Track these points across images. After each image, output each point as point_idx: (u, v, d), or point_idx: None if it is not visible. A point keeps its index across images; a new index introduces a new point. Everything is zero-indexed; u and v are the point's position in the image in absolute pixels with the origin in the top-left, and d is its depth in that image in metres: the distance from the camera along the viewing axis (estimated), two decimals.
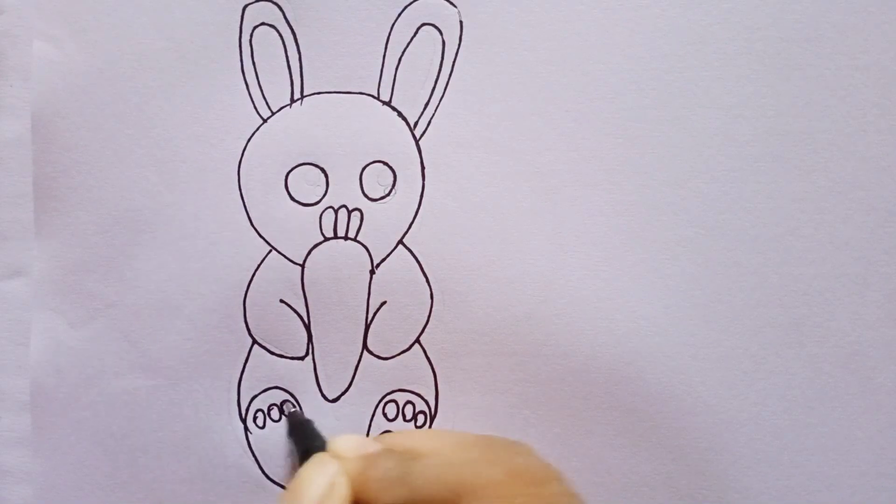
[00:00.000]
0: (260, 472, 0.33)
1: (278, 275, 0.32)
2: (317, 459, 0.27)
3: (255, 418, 0.33)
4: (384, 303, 0.32)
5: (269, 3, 0.32)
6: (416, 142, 0.32)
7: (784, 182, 0.31)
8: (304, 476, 0.26)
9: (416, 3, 0.32)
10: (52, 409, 0.33)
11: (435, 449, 0.27)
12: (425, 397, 0.32)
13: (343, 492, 0.26)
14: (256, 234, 0.33)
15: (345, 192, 0.32)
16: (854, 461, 0.31)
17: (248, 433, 0.33)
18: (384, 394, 0.33)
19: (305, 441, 0.30)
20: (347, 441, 0.28)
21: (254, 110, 0.33)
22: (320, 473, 0.26)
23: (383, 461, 0.26)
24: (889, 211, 0.31)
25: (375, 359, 0.33)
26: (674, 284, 0.32)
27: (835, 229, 0.31)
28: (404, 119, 0.32)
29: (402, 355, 0.32)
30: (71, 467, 0.33)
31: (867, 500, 0.31)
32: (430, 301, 0.32)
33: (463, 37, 0.32)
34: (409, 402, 0.33)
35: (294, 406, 0.32)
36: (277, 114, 0.33)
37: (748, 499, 0.32)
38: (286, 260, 0.33)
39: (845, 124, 0.31)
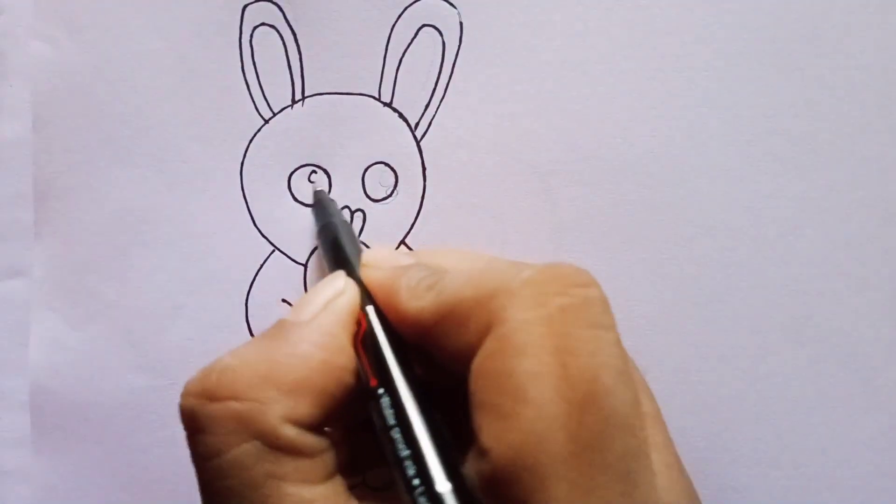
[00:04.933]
0: None
1: (281, 275, 0.32)
2: (335, 273, 0.27)
3: None
4: None
5: (269, 4, 0.32)
6: (418, 143, 0.32)
7: (784, 182, 0.31)
8: (318, 285, 0.26)
9: (417, 3, 0.32)
10: (52, 409, 0.33)
11: (467, 260, 0.27)
12: None
13: (352, 297, 0.25)
14: (259, 234, 0.33)
15: (347, 192, 0.32)
16: (855, 461, 0.31)
17: None
18: None
19: (337, 253, 0.29)
20: (380, 252, 0.28)
21: (255, 111, 0.33)
22: (332, 280, 0.26)
23: (415, 271, 0.25)
24: (889, 211, 0.31)
25: None
26: (674, 284, 0.32)
27: (835, 229, 0.31)
28: (405, 120, 0.32)
29: None
30: (71, 467, 0.33)
31: (868, 501, 0.31)
32: None
33: (463, 38, 0.32)
34: None
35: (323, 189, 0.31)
36: (279, 115, 0.33)
37: (748, 499, 0.32)
38: (289, 260, 0.33)
39: (845, 124, 0.31)
